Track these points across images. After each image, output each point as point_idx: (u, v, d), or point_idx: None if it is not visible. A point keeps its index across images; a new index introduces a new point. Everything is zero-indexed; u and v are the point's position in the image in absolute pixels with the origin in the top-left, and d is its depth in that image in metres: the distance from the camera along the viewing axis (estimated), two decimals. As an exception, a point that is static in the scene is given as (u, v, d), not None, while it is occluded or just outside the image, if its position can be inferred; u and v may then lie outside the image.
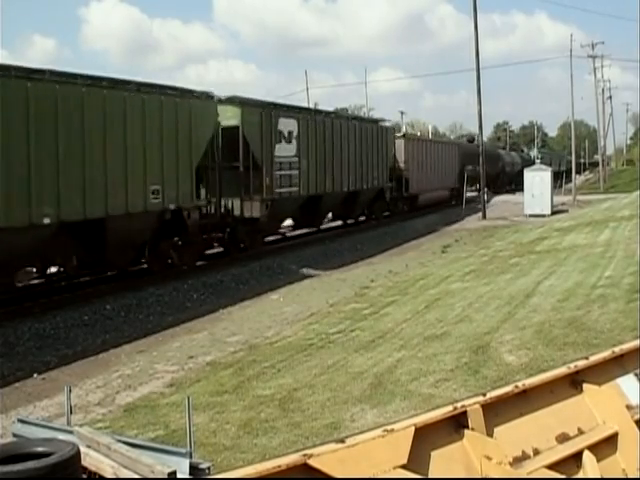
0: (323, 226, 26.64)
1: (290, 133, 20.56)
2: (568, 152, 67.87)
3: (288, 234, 24.19)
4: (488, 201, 35.40)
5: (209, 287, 15.65)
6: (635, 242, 16.08)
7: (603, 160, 64.61)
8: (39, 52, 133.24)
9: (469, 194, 39.16)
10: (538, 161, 43.43)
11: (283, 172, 20.12)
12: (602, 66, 59.29)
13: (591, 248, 17.39)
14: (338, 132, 23.74)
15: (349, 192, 25.10)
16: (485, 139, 44.76)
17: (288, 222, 24.29)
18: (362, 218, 28.61)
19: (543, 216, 30.46)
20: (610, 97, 73.38)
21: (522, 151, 70.52)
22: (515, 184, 48.85)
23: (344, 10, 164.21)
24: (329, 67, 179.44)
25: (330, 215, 27.09)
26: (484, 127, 35.72)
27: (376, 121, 29.50)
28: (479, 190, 39.25)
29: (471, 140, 50.11)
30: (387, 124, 30.35)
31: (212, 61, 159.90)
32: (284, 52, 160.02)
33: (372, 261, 20.73)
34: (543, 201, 31.66)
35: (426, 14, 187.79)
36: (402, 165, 30.29)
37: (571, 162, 55.10)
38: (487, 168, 36.51)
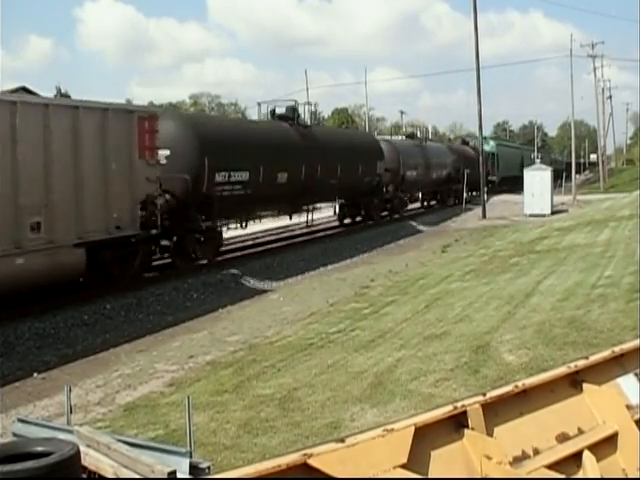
0: (323, 226, 26.82)
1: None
2: (568, 152, 67.61)
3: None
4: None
5: (209, 287, 15.64)
6: (635, 242, 16.07)
7: (603, 160, 64.54)
8: (35, 52, 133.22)
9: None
10: (538, 160, 43.20)
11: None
12: (602, 66, 59.26)
13: (591, 248, 17.39)
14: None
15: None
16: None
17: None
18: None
19: (543, 216, 30.44)
20: (610, 97, 73.36)
21: (466, 143, 47.05)
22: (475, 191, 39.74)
23: (340, 9, 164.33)
24: (326, 67, 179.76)
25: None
26: (484, 127, 35.69)
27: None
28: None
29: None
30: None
31: (209, 60, 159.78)
32: (281, 51, 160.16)
33: (372, 260, 20.74)
34: (543, 201, 31.64)
35: (422, 13, 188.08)
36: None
37: (562, 162, 54.88)
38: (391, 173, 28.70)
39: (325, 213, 28.20)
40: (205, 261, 17.37)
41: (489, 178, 43.78)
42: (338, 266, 19.82)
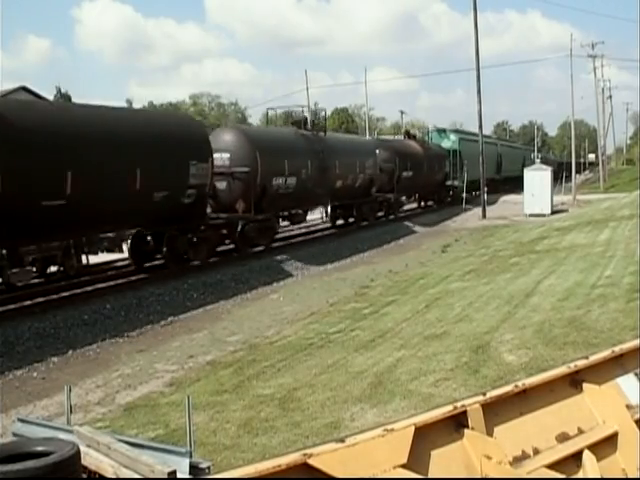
0: (322, 225, 26.67)
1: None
2: (568, 152, 67.39)
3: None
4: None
5: (209, 287, 15.64)
6: (635, 241, 16.08)
7: (603, 160, 64.52)
8: (34, 53, 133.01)
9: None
10: (538, 160, 43.00)
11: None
12: (602, 65, 59.25)
13: (591, 247, 17.39)
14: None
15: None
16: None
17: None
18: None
19: (543, 215, 30.44)
20: (610, 96, 73.35)
21: (412, 137, 36.32)
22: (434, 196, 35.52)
23: (337, 9, 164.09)
24: (325, 66, 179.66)
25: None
26: (484, 127, 35.63)
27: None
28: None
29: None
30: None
31: (207, 60, 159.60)
32: (279, 51, 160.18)
33: (372, 260, 20.75)
34: (543, 201, 31.63)
35: (420, 12, 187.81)
36: None
37: (554, 161, 54.07)
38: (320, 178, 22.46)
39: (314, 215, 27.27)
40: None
41: (447, 183, 37.02)
42: (338, 266, 19.84)
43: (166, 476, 2.42)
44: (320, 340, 10.23)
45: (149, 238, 16.30)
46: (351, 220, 26.76)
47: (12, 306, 12.52)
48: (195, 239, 16.75)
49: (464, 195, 36.42)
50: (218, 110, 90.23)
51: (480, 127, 34.52)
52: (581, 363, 3.70)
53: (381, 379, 7.65)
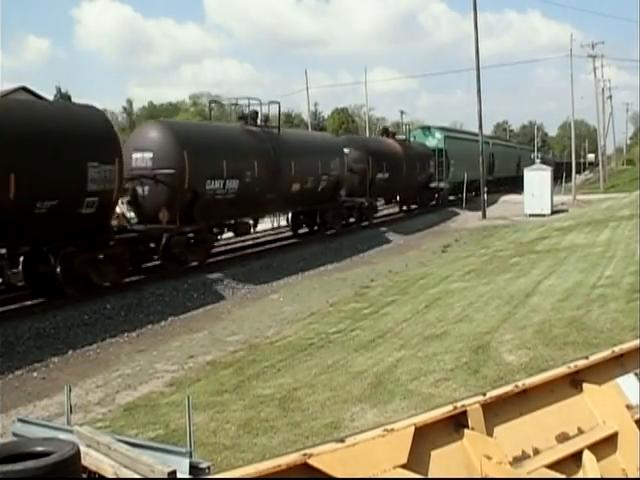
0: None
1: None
2: (568, 152, 67.34)
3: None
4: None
5: (209, 286, 15.64)
6: (635, 242, 16.08)
7: (603, 160, 64.52)
8: (33, 53, 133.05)
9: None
10: (538, 161, 42.86)
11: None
12: (602, 65, 59.26)
13: (591, 248, 17.39)
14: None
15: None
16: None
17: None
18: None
19: (543, 216, 30.45)
20: (610, 97, 73.38)
21: (392, 135, 32.24)
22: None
23: (337, 10, 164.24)
24: (325, 66, 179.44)
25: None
26: (484, 127, 35.62)
27: None
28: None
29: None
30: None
31: (207, 60, 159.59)
32: (279, 51, 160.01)
33: (372, 260, 20.75)
34: (543, 201, 31.64)
35: (419, 12, 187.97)
36: None
37: (552, 161, 53.78)
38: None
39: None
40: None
41: (432, 185, 34.15)
42: (338, 266, 19.83)
43: (166, 476, 2.42)
44: (320, 340, 10.23)
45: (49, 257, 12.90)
46: (317, 228, 23.56)
47: (12, 306, 12.53)
48: (101, 257, 13.75)
49: (463, 197, 36.22)
50: (218, 110, 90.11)
51: (480, 127, 34.50)
52: (581, 363, 3.69)
53: (381, 379, 7.66)
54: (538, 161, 41.87)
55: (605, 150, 71.49)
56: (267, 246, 21.34)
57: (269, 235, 23.83)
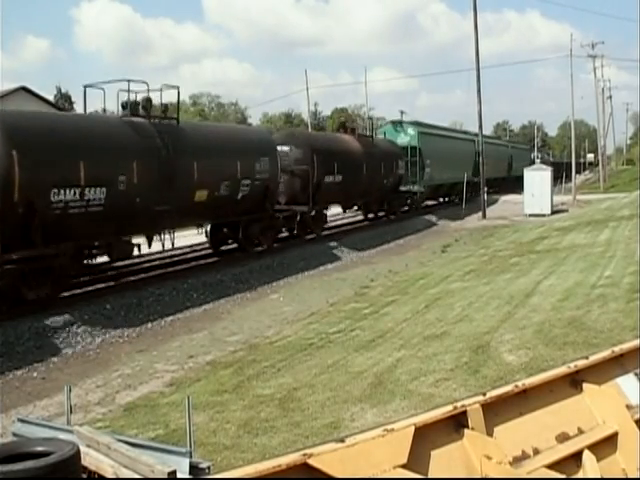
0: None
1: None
2: (568, 152, 67.28)
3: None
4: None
5: (209, 287, 15.65)
6: (635, 242, 16.09)
7: (603, 160, 64.50)
8: (33, 53, 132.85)
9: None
10: (538, 160, 42.70)
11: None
12: (602, 65, 59.24)
13: (591, 248, 17.39)
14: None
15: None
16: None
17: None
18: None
19: (543, 216, 30.46)
20: (610, 97, 73.35)
21: (351, 130, 26.86)
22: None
23: (336, 10, 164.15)
24: (324, 66, 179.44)
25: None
26: (484, 127, 35.62)
27: None
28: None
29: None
30: None
31: (206, 60, 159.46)
32: (278, 51, 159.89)
33: (372, 260, 20.75)
34: (543, 201, 31.65)
35: (419, 12, 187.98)
36: None
37: (548, 161, 53.40)
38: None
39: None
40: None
41: (403, 188, 29.71)
42: (339, 265, 19.83)
43: (166, 476, 2.42)
44: (320, 340, 10.23)
45: None
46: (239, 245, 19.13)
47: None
48: None
49: (465, 195, 35.71)
50: (218, 110, 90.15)
51: (480, 127, 34.52)
52: (581, 363, 3.70)
53: (381, 379, 7.66)
54: (538, 161, 41.83)
55: (605, 150, 71.44)
56: (170, 269, 16.82)
57: (183, 254, 18.99)
